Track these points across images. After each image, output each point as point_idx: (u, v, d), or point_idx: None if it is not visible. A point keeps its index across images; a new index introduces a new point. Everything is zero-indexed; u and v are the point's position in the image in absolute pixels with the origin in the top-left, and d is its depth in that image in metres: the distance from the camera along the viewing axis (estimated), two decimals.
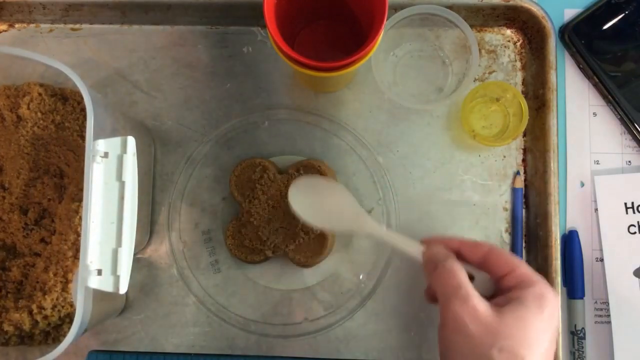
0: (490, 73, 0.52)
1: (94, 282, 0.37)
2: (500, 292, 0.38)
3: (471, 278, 0.39)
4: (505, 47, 0.52)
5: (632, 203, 0.49)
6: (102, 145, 0.38)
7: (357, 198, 0.50)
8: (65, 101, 0.47)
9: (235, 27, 0.52)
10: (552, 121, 0.49)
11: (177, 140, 0.51)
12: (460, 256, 0.40)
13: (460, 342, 0.35)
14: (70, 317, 0.43)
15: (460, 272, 0.37)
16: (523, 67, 0.52)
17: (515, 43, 0.52)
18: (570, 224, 0.50)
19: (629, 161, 0.51)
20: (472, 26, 0.48)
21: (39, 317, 0.42)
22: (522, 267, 0.38)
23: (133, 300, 0.49)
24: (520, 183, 0.50)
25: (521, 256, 0.49)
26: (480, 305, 0.35)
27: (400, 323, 0.49)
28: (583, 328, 0.48)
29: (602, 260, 0.49)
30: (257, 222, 0.47)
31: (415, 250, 0.40)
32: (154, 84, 0.52)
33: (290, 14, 0.43)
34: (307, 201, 0.41)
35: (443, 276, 0.37)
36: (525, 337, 0.34)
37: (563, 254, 0.49)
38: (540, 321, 0.35)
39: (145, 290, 0.49)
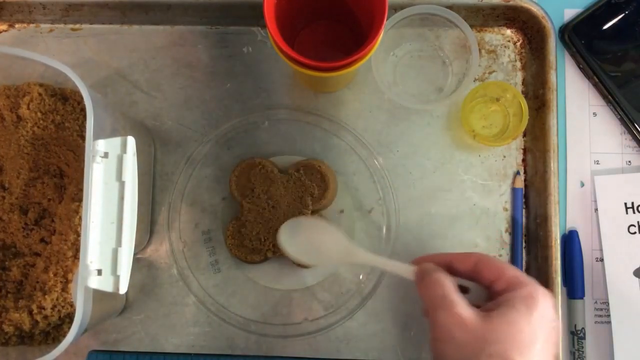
0: (490, 73, 0.52)
1: (94, 282, 0.37)
2: (491, 299, 0.38)
3: (466, 290, 0.39)
4: (505, 47, 0.52)
5: (632, 203, 0.49)
6: (102, 145, 0.38)
7: (357, 198, 0.50)
8: (65, 101, 0.47)
9: (235, 27, 0.52)
10: (552, 121, 0.49)
11: (177, 140, 0.51)
12: (451, 269, 0.39)
13: (450, 351, 0.35)
14: (70, 317, 0.43)
15: (445, 282, 0.37)
16: (523, 67, 0.52)
17: (515, 43, 0.52)
18: (570, 224, 0.50)
19: (629, 161, 0.51)
20: (472, 26, 0.48)
21: (39, 317, 0.42)
22: (511, 271, 0.37)
23: (133, 300, 0.49)
24: (520, 183, 0.50)
25: (521, 256, 0.49)
26: (467, 312, 0.35)
27: (400, 323, 0.49)
28: (583, 328, 0.48)
29: (602, 260, 0.49)
30: (257, 222, 0.47)
31: (407, 271, 0.40)
32: (154, 84, 0.52)
33: (290, 14, 0.43)
34: (297, 241, 0.42)
35: (429, 288, 0.37)
36: (515, 340, 0.34)
37: (563, 254, 0.49)
38: (530, 323, 0.34)
39: (145, 290, 0.49)
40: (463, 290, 0.38)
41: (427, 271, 0.38)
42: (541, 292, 0.36)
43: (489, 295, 0.38)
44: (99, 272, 0.38)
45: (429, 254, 0.41)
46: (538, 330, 0.34)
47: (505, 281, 0.37)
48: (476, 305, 0.37)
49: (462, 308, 0.35)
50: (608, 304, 0.48)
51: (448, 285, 0.36)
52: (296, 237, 0.42)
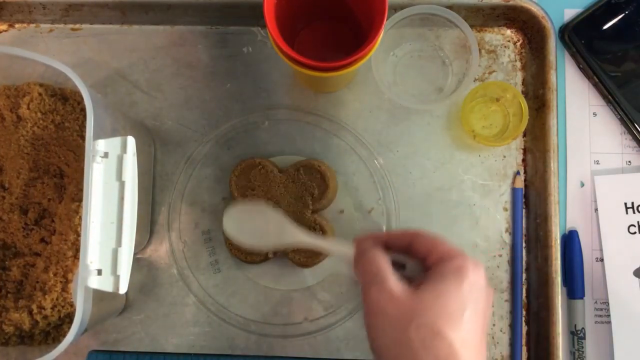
0: (490, 73, 0.52)
1: (94, 282, 0.37)
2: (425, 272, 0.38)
3: (403, 266, 0.39)
4: (505, 47, 0.52)
5: (632, 203, 0.49)
6: (102, 145, 0.38)
7: (357, 198, 0.50)
8: (65, 101, 0.47)
9: (235, 27, 0.52)
10: (552, 121, 0.49)
11: (177, 140, 0.51)
12: (389, 247, 0.40)
13: (381, 326, 0.35)
14: (70, 317, 0.43)
15: (378, 259, 0.37)
16: (523, 67, 0.52)
17: (515, 43, 0.52)
18: (570, 224, 0.50)
19: (629, 161, 0.51)
20: (472, 26, 0.48)
21: (39, 317, 0.42)
22: (442, 245, 0.37)
23: (133, 300, 0.49)
24: (520, 183, 0.50)
25: (521, 256, 0.49)
26: (397, 286, 0.35)
27: None
28: (583, 328, 0.48)
29: (602, 260, 0.49)
30: None
31: (348, 250, 0.40)
32: (154, 84, 0.52)
33: (290, 14, 0.43)
34: (239, 225, 0.42)
35: (363, 265, 0.38)
36: (443, 310, 0.34)
37: (563, 254, 0.49)
38: (459, 293, 0.34)
39: (145, 290, 0.49)
40: (400, 266, 0.39)
41: (363, 250, 0.39)
42: (471, 263, 0.36)
43: (424, 271, 0.39)
44: (99, 272, 0.38)
45: (368, 233, 0.41)
46: (468, 299, 0.35)
47: (437, 254, 0.37)
48: (413, 279, 0.37)
49: (393, 283, 0.36)
50: (608, 304, 0.48)
51: (381, 262, 0.37)
52: (239, 221, 0.42)
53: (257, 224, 0.43)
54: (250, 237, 0.42)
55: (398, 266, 0.38)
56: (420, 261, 0.39)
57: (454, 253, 0.37)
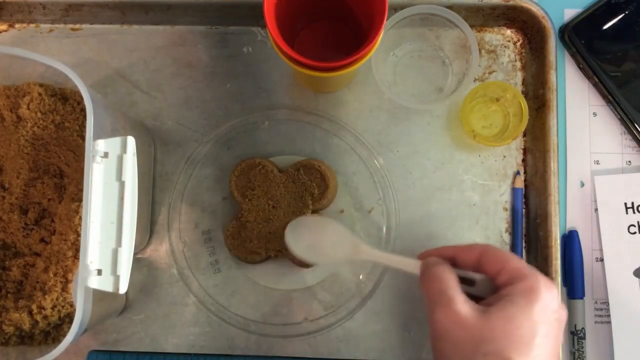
0: (490, 73, 0.52)
1: (94, 282, 0.37)
2: (496, 291, 0.36)
3: (473, 282, 0.37)
4: (505, 47, 0.52)
5: (632, 203, 0.49)
6: (102, 145, 0.38)
7: (357, 198, 0.50)
8: (65, 101, 0.47)
9: (235, 27, 0.52)
10: (552, 121, 0.49)
11: (177, 140, 0.51)
12: (456, 262, 0.38)
13: (446, 349, 0.34)
14: (70, 317, 0.43)
15: (445, 277, 0.35)
16: (523, 67, 0.52)
17: (515, 43, 0.52)
18: (570, 224, 0.50)
19: (629, 161, 0.51)
20: (472, 26, 0.48)
21: (38, 317, 0.42)
22: (514, 262, 0.36)
23: (133, 300, 0.49)
24: (520, 183, 0.50)
25: (521, 256, 0.49)
26: (464, 309, 0.34)
27: (400, 323, 0.49)
28: (583, 328, 0.48)
29: (602, 260, 0.49)
30: (257, 222, 0.47)
31: (413, 266, 0.39)
32: (154, 84, 0.52)
33: (290, 14, 0.43)
34: (303, 240, 0.42)
35: (428, 283, 0.36)
36: (512, 337, 0.32)
37: (563, 254, 0.49)
38: (530, 317, 0.33)
39: (145, 290, 0.49)
40: (469, 282, 0.37)
41: (428, 266, 0.37)
42: (543, 284, 0.34)
43: (494, 286, 0.37)
44: (99, 272, 0.38)
45: (435, 247, 0.40)
46: (539, 325, 0.33)
47: (508, 273, 0.35)
48: (483, 297, 0.36)
49: (460, 305, 0.34)
50: (608, 304, 0.48)
51: (447, 279, 0.35)
52: (302, 235, 0.42)
53: (321, 238, 0.42)
54: (313, 252, 0.41)
55: (466, 282, 0.36)
56: (491, 277, 0.37)
57: (526, 272, 0.35)
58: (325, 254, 0.42)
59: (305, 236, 0.42)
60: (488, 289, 0.37)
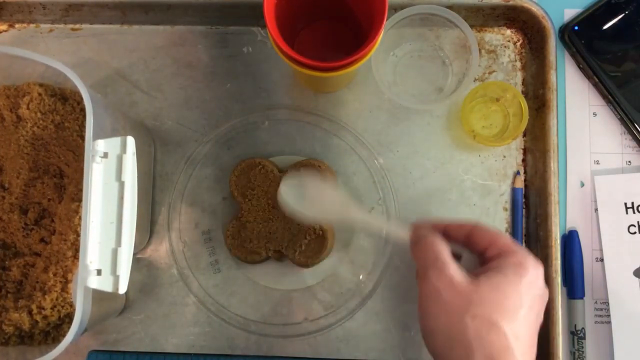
0: (490, 73, 0.52)
1: (94, 282, 0.37)
2: (482, 265, 0.38)
3: (459, 257, 0.39)
4: (505, 47, 0.52)
5: (632, 203, 0.49)
6: (101, 145, 0.38)
7: (357, 198, 0.50)
8: (65, 101, 0.47)
9: (235, 27, 0.52)
10: (552, 121, 0.49)
11: (177, 140, 0.51)
12: (446, 236, 0.40)
13: (436, 311, 0.35)
14: (70, 317, 0.43)
15: (438, 245, 0.37)
16: (523, 67, 0.52)
17: (515, 43, 0.52)
18: (570, 224, 0.50)
19: (629, 161, 0.50)
20: (472, 26, 0.48)
21: (38, 317, 0.42)
22: (503, 239, 0.38)
23: (133, 300, 0.49)
24: (520, 183, 0.50)
25: None
26: (456, 274, 0.36)
27: (401, 323, 0.49)
28: (583, 328, 0.48)
29: (602, 260, 0.49)
30: (257, 222, 0.47)
31: (403, 233, 0.41)
32: (154, 84, 0.52)
33: (290, 14, 0.43)
34: (297, 196, 0.42)
35: (422, 250, 0.38)
36: (500, 304, 0.34)
37: (563, 254, 0.49)
38: (517, 289, 0.35)
39: (145, 290, 0.49)
40: (456, 256, 0.39)
41: (423, 234, 0.39)
42: (531, 261, 0.36)
43: (480, 263, 0.39)
44: (99, 272, 0.38)
45: (426, 218, 0.41)
46: (524, 297, 0.35)
47: (497, 248, 0.37)
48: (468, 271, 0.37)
49: (453, 269, 0.36)
50: (608, 304, 0.48)
51: (441, 248, 0.37)
52: (295, 189, 0.43)
53: (315, 195, 0.42)
54: (307, 208, 0.42)
55: (454, 256, 0.38)
56: (477, 254, 0.39)
57: (515, 248, 0.37)
58: (317, 209, 0.42)
59: (299, 190, 0.43)
60: (474, 264, 0.39)
